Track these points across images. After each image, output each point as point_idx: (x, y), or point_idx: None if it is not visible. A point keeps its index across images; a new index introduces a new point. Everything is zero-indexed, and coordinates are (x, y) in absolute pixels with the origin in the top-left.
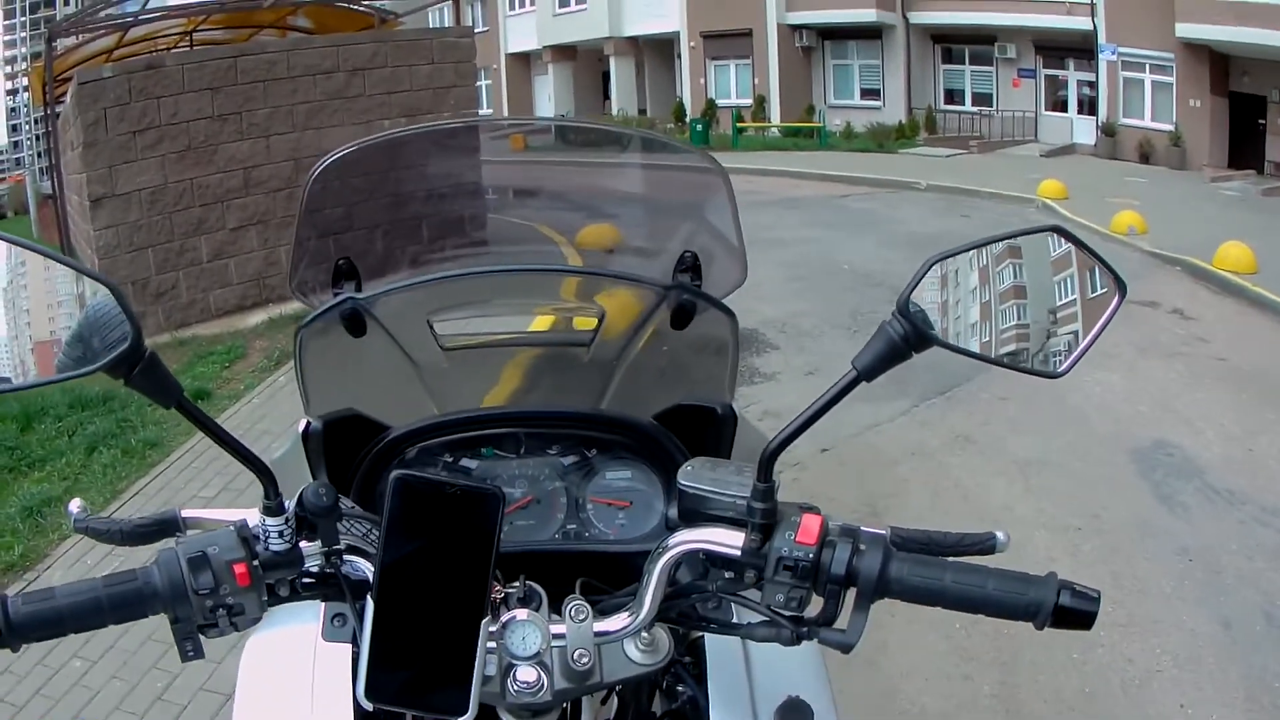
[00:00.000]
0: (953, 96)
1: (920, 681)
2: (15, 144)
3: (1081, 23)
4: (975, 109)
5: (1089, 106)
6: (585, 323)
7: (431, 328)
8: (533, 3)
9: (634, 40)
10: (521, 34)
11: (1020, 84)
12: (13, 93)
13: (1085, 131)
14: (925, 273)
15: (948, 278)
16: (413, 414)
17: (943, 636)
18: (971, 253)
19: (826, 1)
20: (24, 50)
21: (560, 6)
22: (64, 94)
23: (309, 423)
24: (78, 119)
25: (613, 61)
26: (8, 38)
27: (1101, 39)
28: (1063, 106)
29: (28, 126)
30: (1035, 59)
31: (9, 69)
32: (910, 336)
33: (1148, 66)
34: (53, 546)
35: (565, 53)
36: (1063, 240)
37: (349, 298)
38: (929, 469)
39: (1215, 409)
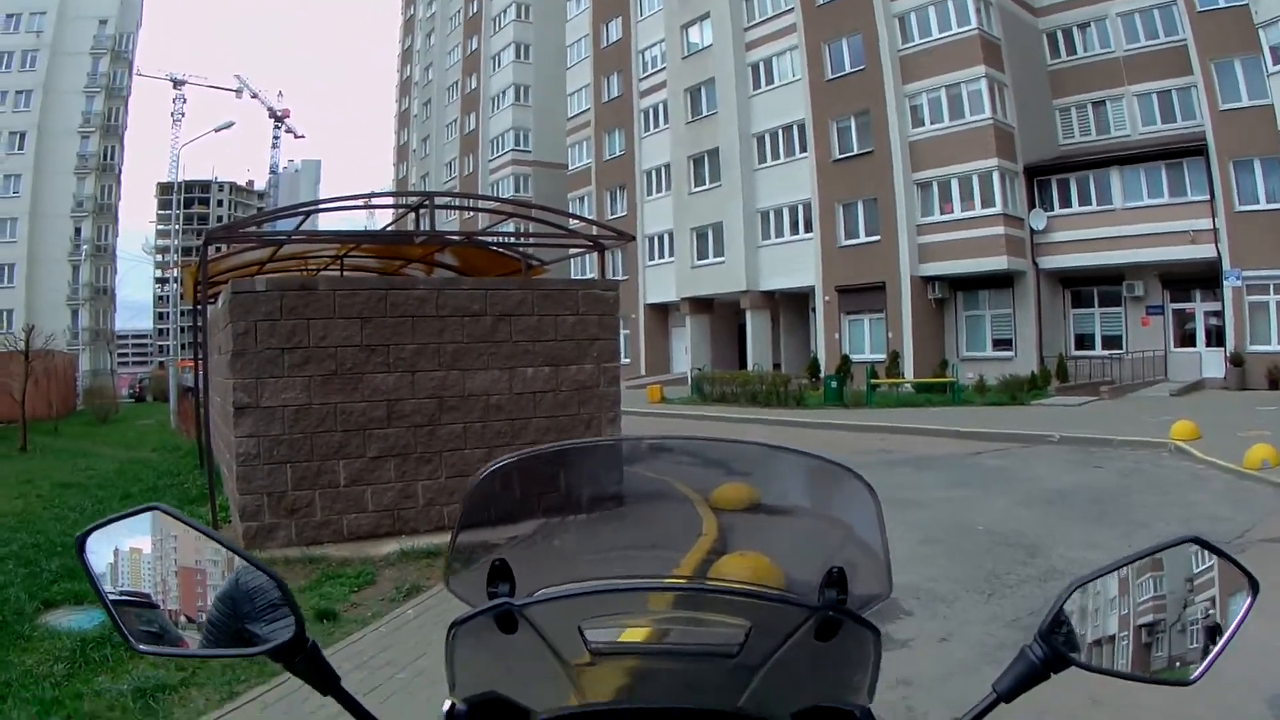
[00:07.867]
0: (1083, 341)
1: None
2: (160, 331)
3: (1206, 251)
4: (1105, 353)
5: (1217, 337)
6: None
7: (582, 633)
8: (672, 254)
9: (770, 294)
10: (660, 285)
11: (1149, 322)
12: (161, 281)
13: (1214, 364)
14: (1066, 598)
15: (1089, 597)
16: (553, 700)
17: None
18: (1111, 574)
19: (958, 252)
20: (176, 242)
21: (699, 259)
22: (215, 294)
23: (454, 704)
24: (228, 326)
25: (748, 314)
26: (161, 227)
27: (1226, 265)
28: (1190, 340)
29: (174, 317)
30: (1162, 294)
31: (159, 257)
32: (1049, 659)
33: (1272, 287)
34: None
35: (702, 305)
36: (1198, 548)
37: (505, 602)
38: None
39: None
